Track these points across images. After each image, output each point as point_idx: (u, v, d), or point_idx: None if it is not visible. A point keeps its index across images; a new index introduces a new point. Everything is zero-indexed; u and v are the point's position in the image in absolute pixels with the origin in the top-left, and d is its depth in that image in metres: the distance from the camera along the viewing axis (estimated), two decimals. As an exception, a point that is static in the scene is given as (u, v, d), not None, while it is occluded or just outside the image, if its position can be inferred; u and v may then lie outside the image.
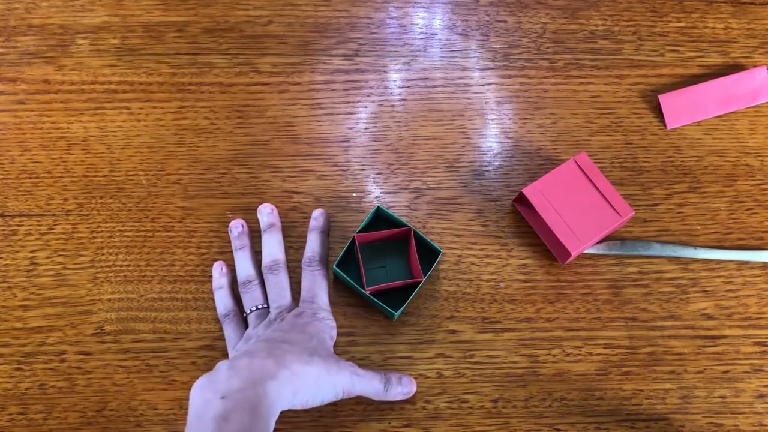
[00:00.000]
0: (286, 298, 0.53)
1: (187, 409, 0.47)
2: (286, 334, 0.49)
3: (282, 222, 0.57)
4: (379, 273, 0.55)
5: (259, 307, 0.53)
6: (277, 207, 0.57)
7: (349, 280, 0.52)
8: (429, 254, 0.55)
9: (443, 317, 0.55)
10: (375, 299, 0.52)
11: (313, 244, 0.55)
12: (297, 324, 0.50)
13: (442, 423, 0.52)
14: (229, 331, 0.52)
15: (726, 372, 0.54)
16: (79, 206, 0.57)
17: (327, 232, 0.56)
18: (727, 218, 0.58)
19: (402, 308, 0.52)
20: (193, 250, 0.56)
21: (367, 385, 0.49)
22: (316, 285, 0.53)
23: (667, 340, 0.54)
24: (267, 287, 0.54)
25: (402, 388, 0.51)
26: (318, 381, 0.47)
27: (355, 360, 0.53)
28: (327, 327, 0.52)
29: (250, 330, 0.52)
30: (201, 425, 0.42)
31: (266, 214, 0.56)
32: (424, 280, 0.54)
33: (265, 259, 0.54)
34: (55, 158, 0.59)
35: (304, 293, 0.53)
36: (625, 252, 0.56)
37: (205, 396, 0.43)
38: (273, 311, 0.52)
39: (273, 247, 0.55)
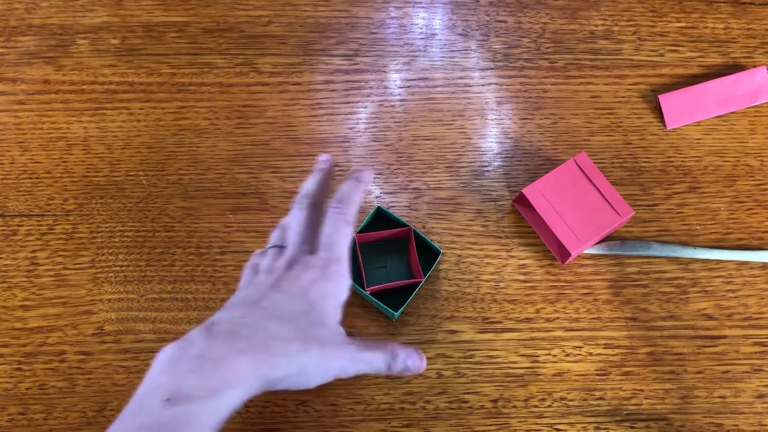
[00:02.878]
0: (298, 235, 0.47)
1: None
2: (285, 302, 0.43)
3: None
4: (379, 273, 0.55)
5: (277, 244, 0.48)
6: (277, 207, 0.57)
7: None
8: (429, 254, 0.55)
9: (443, 317, 0.55)
10: (375, 299, 0.52)
11: (345, 187, 0.48)
12: (300, 285, 0.43)
13: (442, 423, 0.52)
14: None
15: (726, 372, 0.54)
16: (79, 206, 0.57)
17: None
18: (727, 218, 0.58)
19: (402, 308, 0.52)
20: (193, 250, 0.56)
21: (367, 367, 0.44)
22: (337, 231, 0.46)
23: (667, 340, 0.54)
24: (288, 221, 0.48)
25: (410, 363, 0.45)
26: (306, 370, 0.41)
27: (355, 360, 0.53)
28: (335, 289, 0.44)
29: (261, 269, 0.47)
30: (135, 418, 0.38)
31: (321, 161, 0.50)
32: (424, 280, 0.54)
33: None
34: (55, 158, 0.59)
35: (322, 238, 0.46)
36: (625, 252, 0.56)
37: (157, 381, 0.39)
38: (286, 253, 0.46)
39: (308, 182, 0.49)
